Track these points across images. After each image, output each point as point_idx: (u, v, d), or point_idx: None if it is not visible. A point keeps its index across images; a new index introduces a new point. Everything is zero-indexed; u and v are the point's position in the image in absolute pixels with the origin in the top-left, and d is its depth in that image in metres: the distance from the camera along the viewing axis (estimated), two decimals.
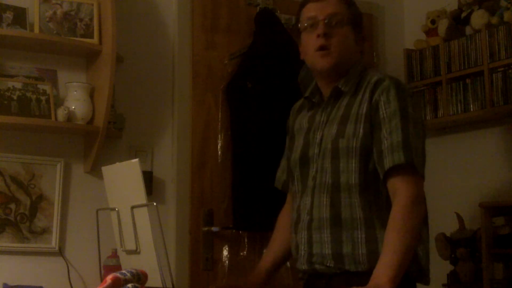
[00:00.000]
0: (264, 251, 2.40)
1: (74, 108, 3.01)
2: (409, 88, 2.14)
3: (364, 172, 2.04)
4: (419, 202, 1.98)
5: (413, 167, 1.99)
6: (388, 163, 1.99)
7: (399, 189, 1.98)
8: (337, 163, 2.07)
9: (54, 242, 3.04)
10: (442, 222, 3.42)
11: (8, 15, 2.96)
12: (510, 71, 3.33)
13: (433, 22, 3.76)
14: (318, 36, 2.12)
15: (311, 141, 2.17)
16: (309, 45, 2.16)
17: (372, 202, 2.04)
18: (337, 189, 2.06)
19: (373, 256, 1.97)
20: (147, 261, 2.13)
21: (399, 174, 1.99)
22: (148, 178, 3.21)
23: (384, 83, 2.08)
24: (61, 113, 2.96)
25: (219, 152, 3.46)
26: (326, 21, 2.12)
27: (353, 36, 2.17)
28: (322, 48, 2.12)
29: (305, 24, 2.17)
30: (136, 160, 2.16)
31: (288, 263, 2.91)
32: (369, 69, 2.22)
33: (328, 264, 2.06)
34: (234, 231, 3.38)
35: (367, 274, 1.92)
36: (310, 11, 2.17)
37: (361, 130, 2.05)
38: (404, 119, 2.02)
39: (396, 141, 1.99)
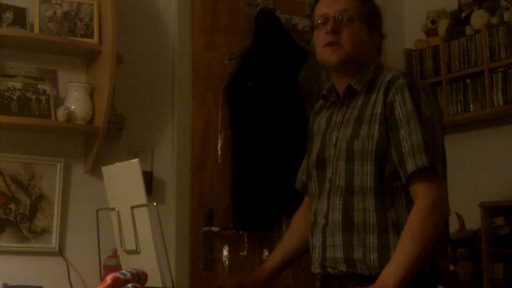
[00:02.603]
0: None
1: (74, 108, 3.00)
2: (424, 85, 2.08)
3: (379, 175, 2.00)
4: (439, 205, 1.94)
5: (434, 170, 1.95)
6: (410, 166, 1.95)
7: (419, 193, 1.95)
8: (351, 165, 2.03)
9: (54, 242, 3.04)
10: None
11: (8, 15, 2.96)
12: (510, 71, 3.32)
13: (433, 22, 3.76)
14: (327, 32, 2.09)
15: (327, 142, 2.14)
16: (319, 41, 2.13)
17: (387, 206, 2.00)
18: (351, 192, 2.03)
19: (385, 261, 1.92)
20: (147, 261, 2.12)
21: (420, 178, 1.95)
22: (148, 178, 3.21)
23: (398, 82, 2.02)
24: (61, 113, 2.96)
25: (219, 152, 3.46)
26: (336, 17, 2.10)
27: (367, 32, 2.13)
28: (330, 44, 2.09)
29: (318, 21, 2.14)
30: (136, 160, 2.16)
31: None
32: (383, 67, 2.17)
33: (340, 268, 2.03)
34: (234, 231, 3.38)
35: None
36: (322, 8, 2.15)
37: (376, 132, 2.01)
38: (422, 119, 1.97)
39: (417, 143, 1.95)
